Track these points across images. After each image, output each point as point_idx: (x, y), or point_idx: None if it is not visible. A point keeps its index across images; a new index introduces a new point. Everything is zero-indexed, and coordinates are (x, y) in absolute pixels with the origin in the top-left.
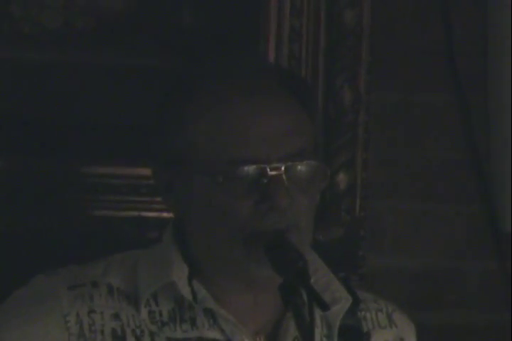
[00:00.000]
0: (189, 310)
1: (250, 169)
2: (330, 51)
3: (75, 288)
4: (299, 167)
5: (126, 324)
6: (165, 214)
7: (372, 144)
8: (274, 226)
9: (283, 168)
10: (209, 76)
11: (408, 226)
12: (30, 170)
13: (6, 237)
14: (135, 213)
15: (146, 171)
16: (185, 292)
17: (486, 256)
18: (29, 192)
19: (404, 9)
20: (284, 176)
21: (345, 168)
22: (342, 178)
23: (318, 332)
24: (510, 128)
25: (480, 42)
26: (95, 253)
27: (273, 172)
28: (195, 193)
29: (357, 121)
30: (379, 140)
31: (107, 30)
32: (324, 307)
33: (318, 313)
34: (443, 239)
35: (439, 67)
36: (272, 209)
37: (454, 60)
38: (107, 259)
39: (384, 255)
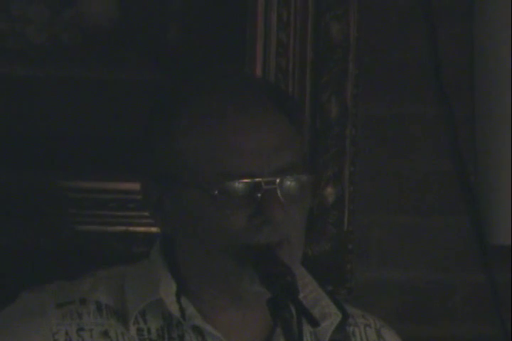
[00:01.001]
0: (177, 327)
1: (244, 183)
2: (317, 64)
3: (63, 306)
4: (292, 181)
5: None
6: (153, 229)
7: (360, 157)
8: (268, 240)
9: (277, 182)
10: (198, 89)
11: (396, 240)
12: (16, 185)
13: None
14: (123, 228)
15: (134, 186)
16: (174, 309)
17: (473, 268)
18: (15, 207)
19: (391, 22)
20: (278, 190)
21: (333, 182)
22: (329, 192)
23: None
24: (497, 140)
25: (466, 55)
26: (82, 269)
27: (267, 186)
28: (186, 208)
29: (344, 134)
30: (366, 153)
31: (92, 44)
32: (314, 323)
33: (307, 329)
34: (430, 252)
35: (426, 80)
36: (265, 223)
37: (440, 73)
38: (94, 275)
39: (372, 268)
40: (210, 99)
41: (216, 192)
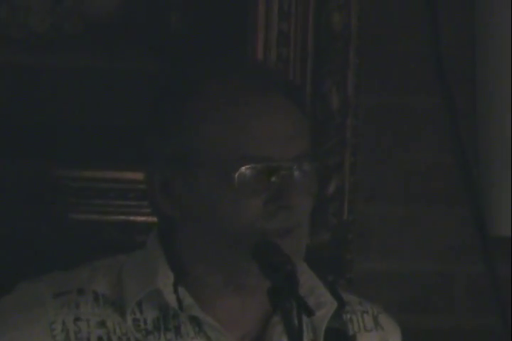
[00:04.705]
0: (174, 318)
1: (263, 167)
2: (318, 54)
3: (61, 296)
4: (307, 167)
5: (112, 331)
6: (153, 219)
7: (361, 148)
8: (282, 225)
9: (294, 168)
10: (214, 73)
11: (396, 230)
12: (16, 173)
13: None
14: (123, 217)
15: (134, 175)
16: (171, 299)
17: (474, 260)
18: (15, 196)
19: (392, 12)
20: (295, 176)
21: (334, 172)
22: (330, 182)
23: (305, 337)
24: (499, 131)
25: (468, 45)
26: (82, 258)
27: (285, 172)
28: (200, 192)
29: (345, 125)
30: (367, 143)
31: (94, 33)
32: (309, 312)
33: (303, 318)
34: (431, 243)
35: (427, 70)
36: (281, 208)
37: (442, 63)
38: (91, 265)
39: (372, 259)
40: (227, 83)
41: (235, 175)
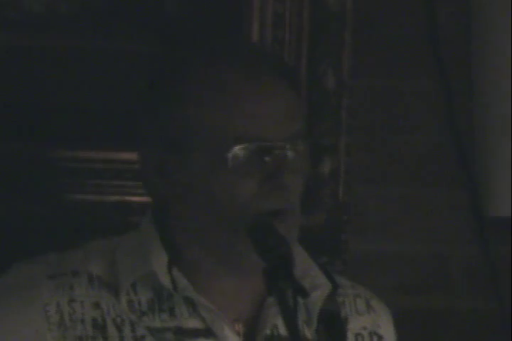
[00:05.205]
0: (168, 299)
1: (257, 147)
2: (313, 36)
3: (55, 277)
4: (301, 147)
5: (106, 313)
6: (149, 199)
7: (356, 129)
8: (276, 206)
9: (288, 147)
10: (208, 55)
11: (392, 211)
12: (11, 154)
13: None
14: (118, 197)
15: (130, 155)
16: (165, 280)
17: (471, 241)
18: (10, 177)
19: None
20: (288, 155)
21: (329, 153)
22: (325, 163)
23: (299, 319)
24: (495, 113)
25: (464, 28)
26: (78, 238)
27: (278, 151)
28: (194, 172)
29: (340, 106)
30: (362, 125)
31: (90, 14)
32: (304, 294)
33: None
34: (427, 224)
35: (423, 53)
36: (275, 188)
37: (438, 46)
38: (86, 246)
39: (367, 240)
40: (221, 64)
41: (228, 156)
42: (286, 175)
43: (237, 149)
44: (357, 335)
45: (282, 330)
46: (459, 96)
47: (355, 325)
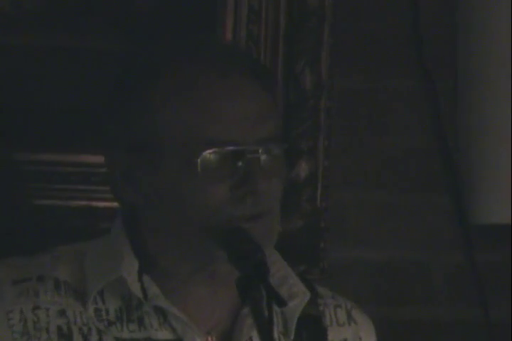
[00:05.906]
0: (137, 309)
1: (227, 151)
2: (290, 33)
3: (20, 283)
4: (274, 151)
5: (72, 321)
6: (116, 204)
7: (335, 131)
8: (250, 211)
9: (260, 151)
10: (176, 57)
11: (372, 217)
12: None
13: None
14: (85, 202)
15: (97, 159)
16: (135, 288)
17: (454, 248)
18: None
19: None
20: (261, 159)
21: (307, 156)
22: (303, 166)
23: (275, 330)
24: (480, 114)
25: (448, 26)
26: (43, 244)
27: (250, 155)
28: (163, 178)
29: (318, 107)
30: (342, 126)
31: (56, 11)
32: (281, 303)
33: (274, 309)
34: (409, 231)
35: (406, 51)
36: (248, 193)
37: (422, 44)
38: (53, 251)
39: (346, 247)
40: (190, 66)
41: (198, 161)
42: (260, 179)
43: (208, 153)
44: None
45: None
46: (444, 97)
47: (336, 336)
